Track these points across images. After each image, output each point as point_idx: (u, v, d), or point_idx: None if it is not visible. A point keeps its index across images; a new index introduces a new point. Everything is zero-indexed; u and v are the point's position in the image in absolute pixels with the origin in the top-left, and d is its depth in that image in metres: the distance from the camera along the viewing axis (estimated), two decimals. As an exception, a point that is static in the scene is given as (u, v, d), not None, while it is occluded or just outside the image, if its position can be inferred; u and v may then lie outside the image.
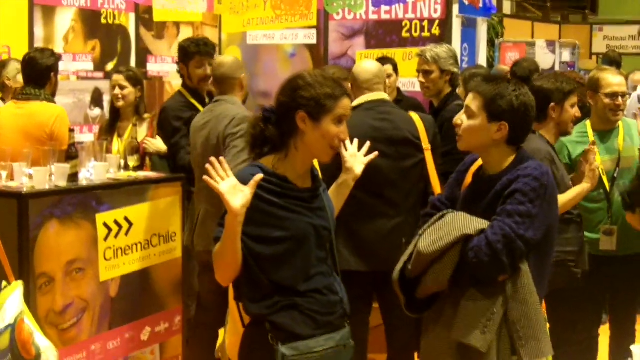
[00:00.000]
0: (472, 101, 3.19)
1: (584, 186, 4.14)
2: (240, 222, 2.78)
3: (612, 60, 9.22)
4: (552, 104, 4.19)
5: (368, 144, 3.40)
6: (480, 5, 7.02)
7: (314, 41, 7.45)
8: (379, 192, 4.40)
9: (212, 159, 2.80)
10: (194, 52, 5.50)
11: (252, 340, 3.00)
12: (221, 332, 3.42)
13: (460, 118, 3.22)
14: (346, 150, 3.27)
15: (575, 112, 4.25)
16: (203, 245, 4.80)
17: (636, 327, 4.91)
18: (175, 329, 5.03)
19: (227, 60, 5.01)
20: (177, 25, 7.83)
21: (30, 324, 3.31)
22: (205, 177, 2.79)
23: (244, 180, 2.81)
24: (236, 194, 2.76)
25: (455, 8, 6.81)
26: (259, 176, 2.80)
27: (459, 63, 6.79)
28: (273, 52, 7.72)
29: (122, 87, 5.53)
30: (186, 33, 7.80)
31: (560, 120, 4.23)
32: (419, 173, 4.52)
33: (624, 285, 4.54)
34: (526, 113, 3.17)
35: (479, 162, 3.29)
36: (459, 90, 5.52)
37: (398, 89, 6.19)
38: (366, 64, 4.88)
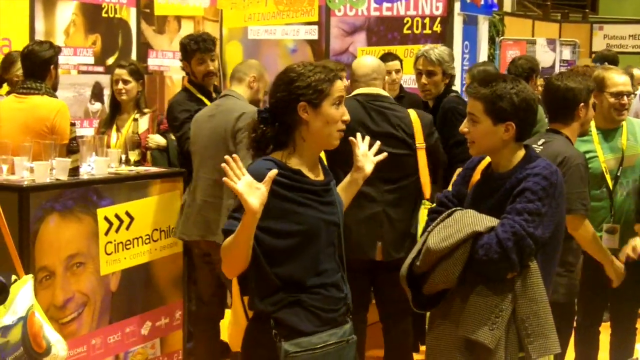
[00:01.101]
0: (473, 107, 3.18)
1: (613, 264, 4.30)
2: (257, 220, 2.78)
3: (606, 59, 9.17)
4: (582, 104, 4.15)
5: (378, 143, 3.41)
6: (482, 3, 7.01)
7: (315, 37, 7.43)
8: None
9: (227, 157, 2.78)
10: (194, 49, 5.50)
11: (255, 336, 3.00)
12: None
13: (466, 126, 3.21)
14: (358, 148, 3.29)
15: (593, 111, 4.25)
16: (200, 235, 4.80)
17: (637, 326, 4.90)
18: (176, 324, 5.02)
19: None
20: (178, 19, 7.81)
21: (40, 317, 3.29)
22: (224, 179, 2.76)
23: (260, 175, 2.80)
24: (253, 192, 2.74)
25: (457, 5, 6.80)
26: (274, 172, 2.79)
27: (461, 61, 6.81)
28: (274, 47, 7.69)
29: (125, 82, 5.53)
30: (187, 27, 7.78)
31: (585, 120, 4.21)
32: (402, 168, 4.52)
33: (625, 283, 4.53)
34: (528, 108, 3.16)
35: (487, 159, 3.28)
36: None
37: (400, 85, 6.19)
38: (365, 59, 4.89)
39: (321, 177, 3.05)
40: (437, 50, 5.33)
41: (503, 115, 3.13)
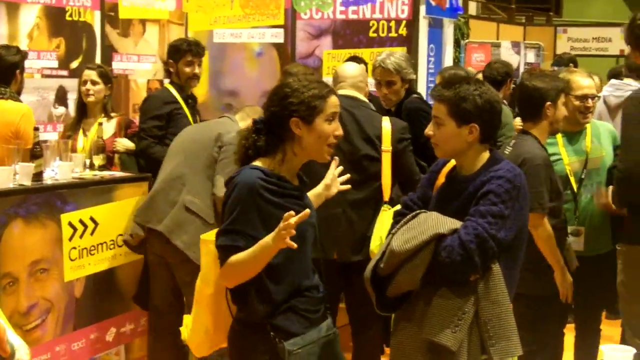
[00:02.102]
0: (437, 110, 3.20)
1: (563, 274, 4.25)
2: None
3: (564, 62, 9.24)
4: (548, 103, 4.20)
5: (348, 176, 3.47)
6: (447, 6, 7.04)
7: (281, 40, 7.43)
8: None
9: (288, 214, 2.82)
10: (186, 49, 5.68)
11: (253, 342, 3.05)
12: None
13: (431, 129, 3.22)
14: (332, 170, 3.41)
15: (564, 110, 4.29)
16: (185, 242, 4.55)
17: (601, 327, 4.94)
18: (140, 330, 4.99)
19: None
20: (143, 22, 7.76)
21: (2, 322, 3.25)
22: (287, 241, 2.82)
23: (251, 184, 2.89)
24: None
25: (422, 9, 6.82)
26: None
27: (426, 64, 6.83)
28: (240, 50, 7.68)
29: (94, 83, 5.57)
30: (152, 31, 7.74)
31: (555, 119, 4.25)
32: (366, 171, 4.53)
33: (590, 285, 4.57)
34: (492, 110, 3.18)
35: (452, 162, 3.29)
36: None
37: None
38: (347, 65, 5.00)
39: (297, 182, 3.13)
40: (393, 59, 5.31)
41: (467, 117, 3.15)
